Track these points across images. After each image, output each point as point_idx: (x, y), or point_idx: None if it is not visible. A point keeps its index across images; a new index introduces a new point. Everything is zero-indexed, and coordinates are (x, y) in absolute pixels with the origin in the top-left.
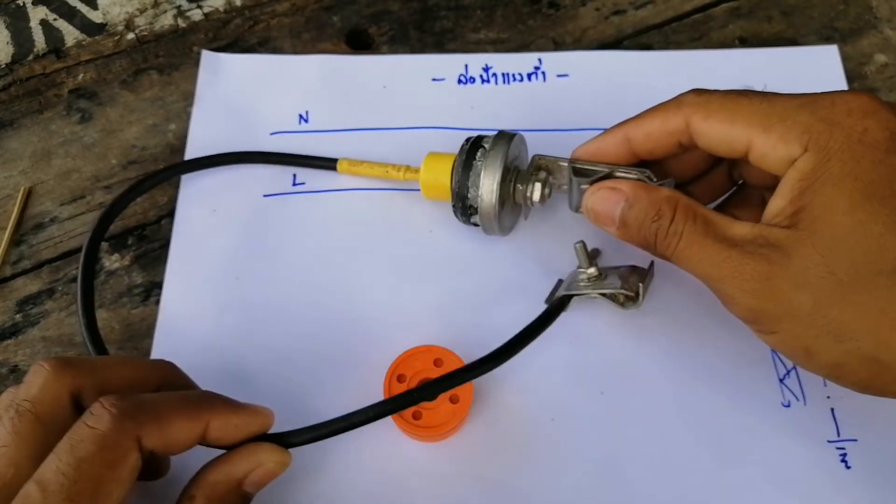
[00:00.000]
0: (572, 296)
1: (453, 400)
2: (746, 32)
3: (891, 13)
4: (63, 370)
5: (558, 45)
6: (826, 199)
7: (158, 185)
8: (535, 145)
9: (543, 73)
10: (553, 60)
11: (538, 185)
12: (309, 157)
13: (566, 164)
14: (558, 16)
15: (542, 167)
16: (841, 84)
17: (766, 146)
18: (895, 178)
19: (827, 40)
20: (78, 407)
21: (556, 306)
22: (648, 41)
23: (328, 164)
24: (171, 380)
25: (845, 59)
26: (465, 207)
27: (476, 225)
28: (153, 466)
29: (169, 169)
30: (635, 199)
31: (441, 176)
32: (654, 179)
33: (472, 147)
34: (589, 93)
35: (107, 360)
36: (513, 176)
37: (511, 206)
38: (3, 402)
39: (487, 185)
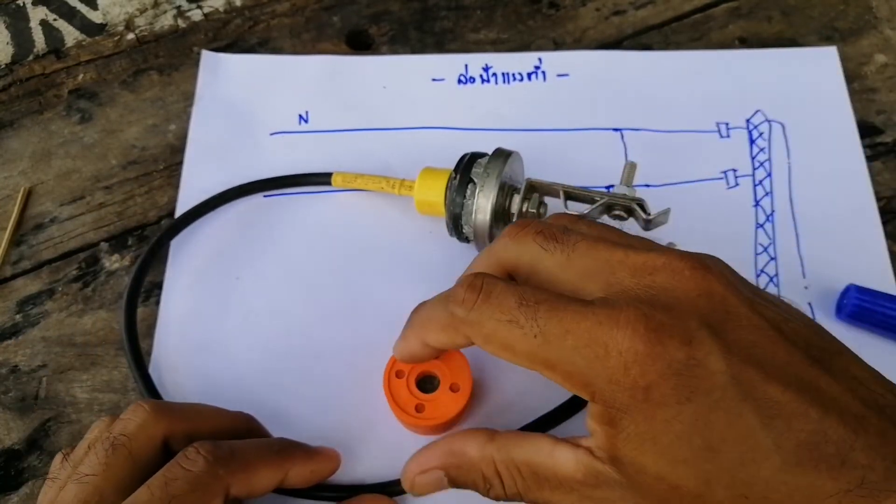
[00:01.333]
0: None
1: (453, 388)
2: (746, 32)
3: (891, 13)
4: (161, 414)
5: (558, 46)
6: (634, 462)
7: (160, 187)
8: (536, 145)
9: (543, 72)
10: (553, 60)
11: (532, 209)
12: (303, 175)
13: (559, 189)
14: (558, 16)
15: (535, 188)
16: (840, 85)
17: (552, 379)
18: (694, 433)
19: (827, 40)
20: (167, 450)
21: None
22: (648, 41)
23: (323, 179)
24: (251, 432)
25: (845, 59)
26: (458, 227)
27: (469, 241)
28: None
29: (184, 218)
30: (456, 474)
31: (435, 195)
32: (648, 212)
33: (467, 167)
34: (589, 93)
35: (197, 409)
36: (507, 197)
37: (505, 225)
38: (95, 433)
39: (482, 208)
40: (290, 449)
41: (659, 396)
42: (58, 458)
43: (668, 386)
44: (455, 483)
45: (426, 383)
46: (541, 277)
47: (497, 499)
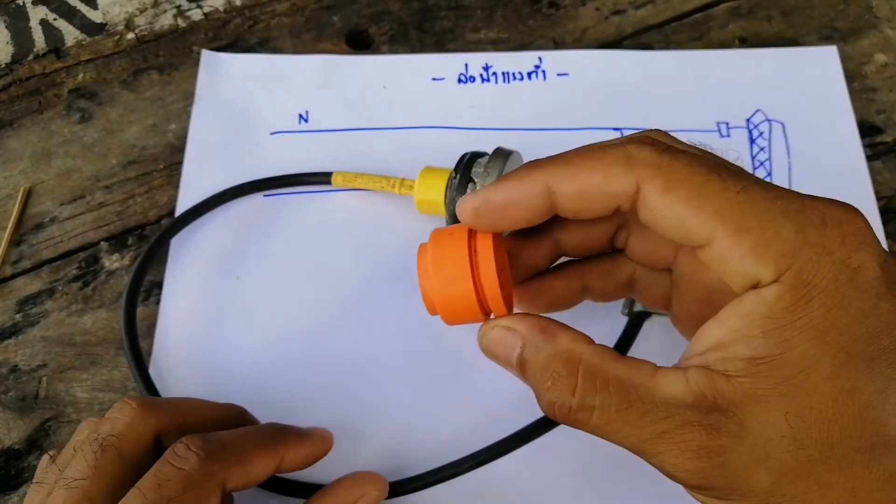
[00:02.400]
0: (650, 314)
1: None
2: (746, 32)
3: (891, 13)
4: (150, 410)
5: (558, 45)
6: (803, 357)
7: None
8: (536, 144)
9: (544, 72)
10: (553, 59)
11: None
12: (303, 174)
13: None
14: (558, 15)
15: None
16: (840, 85)
17: (730, 251)
18: (883, 333)
19: (827, 40)
20: (158, 447)
21: (635, 325)
22: (648, 41)
23: (323, 178)
24: (244, 424)
25: (845, 58)
26: None
27: None
28: None
29: (180, 221)
30: (530, 354)
31: (435, 195)
32: None
33: (467, 166)
34: (589, 92)
35: (188, 402)
36: None
37: None
38: (84, 435)
39: None
40: (283, 434)
41: (864, 282)
42: (44, 460)
43: (875, 275)
44: (522, 367)
45: None
46: None
47: (550, 407)
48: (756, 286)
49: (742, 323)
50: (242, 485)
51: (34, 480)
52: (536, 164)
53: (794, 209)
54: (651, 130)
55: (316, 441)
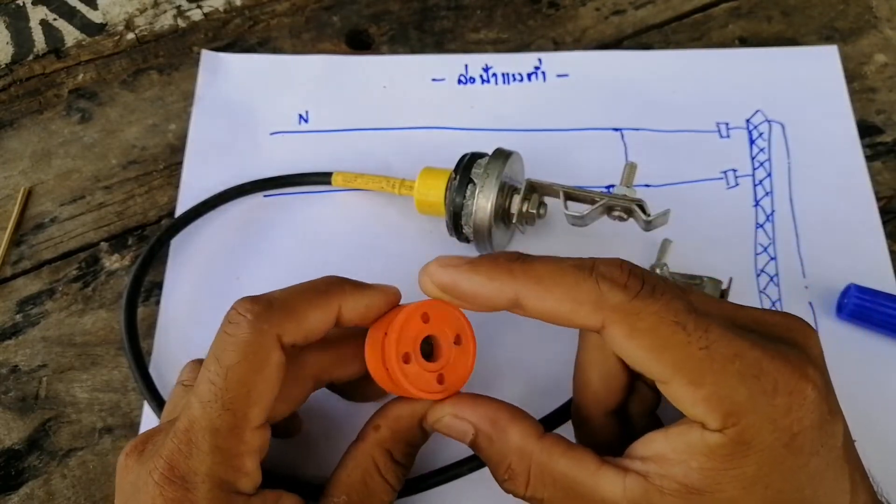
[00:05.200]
0: None
1: (457, 342)
2: (746, 32)
3: (891, 13)
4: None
5: (558, 45)
6: (730, 500)
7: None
8: (536, 145)
9: (543, 72)
10: (553, 60)
11: (532, 209)
12: (303, 174)
13: (559, 190)
14: (558, 16)
15: (535, 188)
16: (840, 85)
17: (684, 397)
18: (807, 485)
19: (827, 40)
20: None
21: None
22: (648, 41)
23: (323, 178)
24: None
25: (845, 58)
26: (458, 227)
27: (469, 241)
28: (288, 426)
29: (179, 221)
30: (483, 443)
31: (435, 195)
32: (648, 213)
33: (467, 167)
34: (589, 93)
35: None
36: (507, 197)
37: (505, 225)
38: None
39: (482, 208)
40: (338, 285)
41: (800, 446)
42: (187, 365)
43: (811, 437)
44: (476, 450)
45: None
46: None
47: (508, 492)
48: (703, 426)
49: (685, 450)
50: (301, 337)
51: (180, 381)
52: (510, 269)
53: (751, 374)
54: (625, 266)
55: (377, 291)
